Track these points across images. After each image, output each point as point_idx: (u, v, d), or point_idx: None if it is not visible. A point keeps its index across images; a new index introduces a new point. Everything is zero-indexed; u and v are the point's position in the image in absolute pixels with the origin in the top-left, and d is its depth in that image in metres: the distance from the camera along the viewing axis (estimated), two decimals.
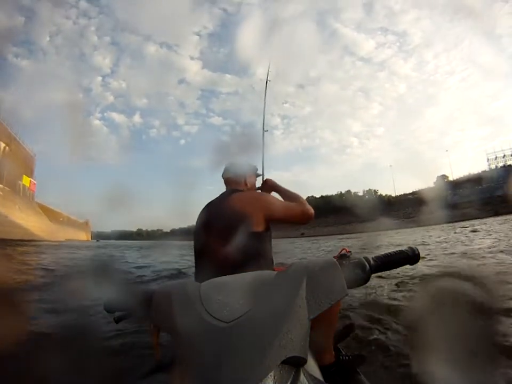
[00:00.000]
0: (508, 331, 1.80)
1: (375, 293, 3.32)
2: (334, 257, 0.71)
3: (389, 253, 0.76)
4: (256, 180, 1.69)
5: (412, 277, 3.73)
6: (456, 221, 22.98)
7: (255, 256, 1.18)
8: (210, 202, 1.46)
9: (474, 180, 54.62)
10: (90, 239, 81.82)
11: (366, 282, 0.70)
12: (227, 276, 0.73)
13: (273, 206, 1.34)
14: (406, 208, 54.91)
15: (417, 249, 0.75)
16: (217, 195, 1.49)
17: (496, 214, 30.33)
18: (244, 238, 1.16)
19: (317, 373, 0.79)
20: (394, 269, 0.77)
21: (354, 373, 1.29)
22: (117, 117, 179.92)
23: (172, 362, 0.58)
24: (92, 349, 2.11)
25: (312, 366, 0.76)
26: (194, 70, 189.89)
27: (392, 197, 75.88)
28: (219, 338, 0.53)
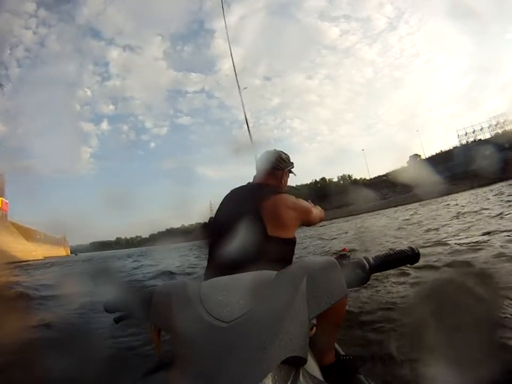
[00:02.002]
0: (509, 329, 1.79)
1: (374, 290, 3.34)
2: (334, 257, 0.72)
3: (389, 252, 0.77)
4: (288, 177, 1.57)
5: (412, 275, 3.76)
6: (432, 198, 23.36)
7: (275, 261, 1.04)
8: (234, 191, 1.37)
9: (447, 157, 55.83)
10: (69, 253, 79.26)
11: (366, 282, 0.71)
12: (227, 276, 0.73)
13: (311, 214, 1.37)
14: (381, 189, 55.84)
15: (417, 249, 0.76)
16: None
17: (472, 187, 31.05)
18: (268, 244, 1.14)
19: (317, 373, 0.79)
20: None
21: (355, 373, 1.30)
22: (85, 126, 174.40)
23: (172, 362, 0.58)
24: (92, 349, 2.07)
25: (312, 366, 0.76)
26: (159, 71, 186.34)
27: (367, 180, 76.30)
28: (219, 338, 0.53)
